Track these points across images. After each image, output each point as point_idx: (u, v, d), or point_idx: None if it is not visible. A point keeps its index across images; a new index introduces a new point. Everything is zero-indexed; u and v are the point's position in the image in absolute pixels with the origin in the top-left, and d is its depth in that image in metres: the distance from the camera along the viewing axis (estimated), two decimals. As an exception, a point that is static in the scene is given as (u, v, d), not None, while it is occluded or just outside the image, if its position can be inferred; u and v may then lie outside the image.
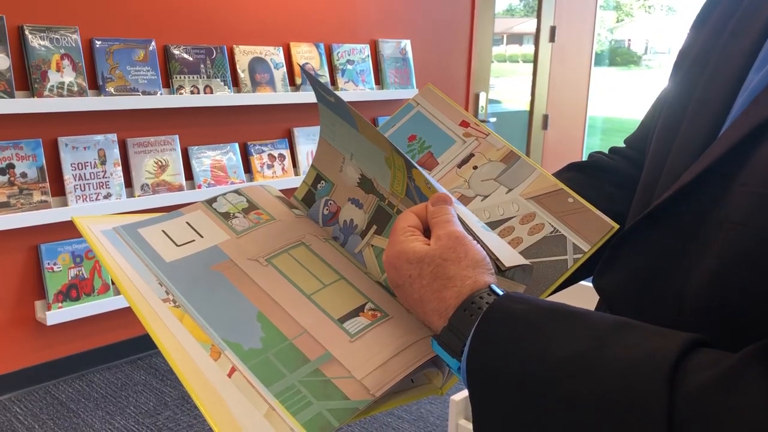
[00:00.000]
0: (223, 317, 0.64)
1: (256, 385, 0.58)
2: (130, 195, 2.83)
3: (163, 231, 0.74)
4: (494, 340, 0.50)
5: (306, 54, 3.41)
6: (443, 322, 0.54)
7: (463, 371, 0.52)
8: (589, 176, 0.80)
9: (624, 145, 0.83)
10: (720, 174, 0.52)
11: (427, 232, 0.60)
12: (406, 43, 3.87)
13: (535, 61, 4.92)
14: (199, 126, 3.07)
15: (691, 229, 0.54)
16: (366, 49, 3.67)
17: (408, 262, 0.57)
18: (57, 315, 2.65)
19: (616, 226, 0.65)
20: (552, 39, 4.85)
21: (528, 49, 4.70)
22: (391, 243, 0.59)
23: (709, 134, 0.57)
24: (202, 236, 0.74)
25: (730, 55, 0.59)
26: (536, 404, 0.46)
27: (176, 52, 2.95)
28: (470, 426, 1.36)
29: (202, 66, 3.02)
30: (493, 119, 4.90)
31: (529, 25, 5.07)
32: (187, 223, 0.76)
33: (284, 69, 3.30)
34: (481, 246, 0.58)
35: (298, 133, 3.44)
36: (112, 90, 2.74)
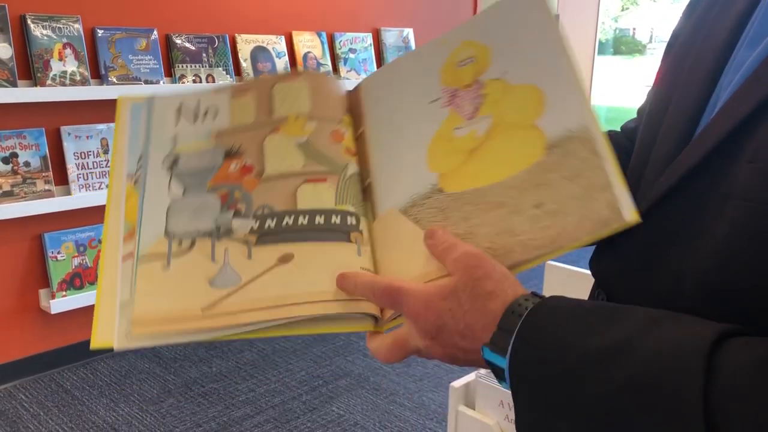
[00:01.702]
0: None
1: (124, 279, 0.63)
2: (133, 184, 2.84)
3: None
4: (538, 332, 0.50)
5: (308, 43, 3.41)
6: (493, 331, 0.54)
7: (506, 364, 0.52)
8: None
9: (619, 130, 0.83)
10: (725, 152, 0.51)
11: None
12: (409, 32, 3.86)
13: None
14: (201, 115, 3.07)
15: (691, 210, 0.53)
16: (368, 38, 3.66)
17: (442, 299, 0.56)
18: (61, 303, 2.67)
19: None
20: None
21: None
22: (412, 297, 0.58)
23: (694, 115, 0.57)
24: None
25: (712, 37, 0.59)
26: (577, 391, 0.47)
27: (178, 41, 2.95)
28: (469, 412, 1.37)
29: (204, 55, 3.02)
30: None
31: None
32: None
33: (286, 58, 3.30)
34: None
35: (301, 122, 3.44)
36: (115, 79, 2.74)
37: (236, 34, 3.14)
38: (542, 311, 0.51)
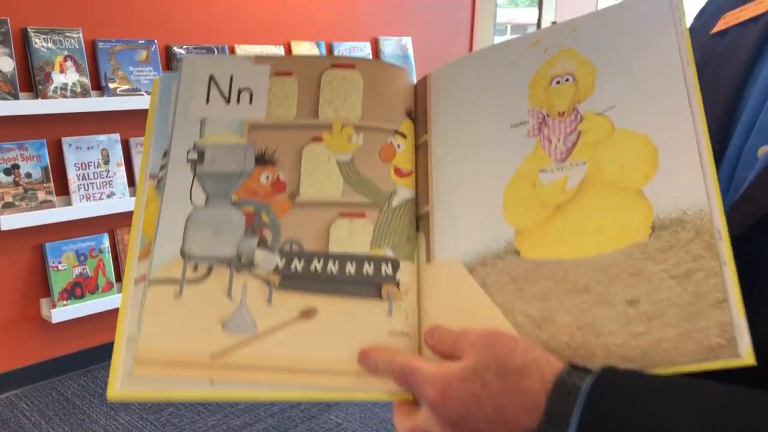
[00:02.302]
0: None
1: (134, 307, 0.57)
2: (134, 194, 2.86)
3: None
4: (607, 418, 0.44)
5: (307, 52, 3.44)
6: (537, 414, 0.46)
7: None
8: None
9: None
10: None
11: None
12: (407, 41, 3.89)
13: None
14: (201, 125, 3.10)
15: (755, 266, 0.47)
16: (367, 47, 3.69)
17: (462, 381, 0.49)
18: (62, 312, 2.70)
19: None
20: (553, 34, 4.86)
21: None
22: (429, 382, 0.51)
23: (722, 129, 0.53)
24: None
25: (736, 50, 0.57)
26: None
27: (178, 52, 2.98)
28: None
29: (203, 65, 3.05)
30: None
31: (532, 14, 5.08)
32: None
33: (285, 67, 3.33)
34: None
35: (300, 130, 3.47)
36: (115, 90, 2.77)
37: (235, 45, 3.17)
38: (603, 393, 0.44)
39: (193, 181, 0.61)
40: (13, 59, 2.50)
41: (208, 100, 0.63)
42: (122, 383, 0.55)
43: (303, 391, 0.55)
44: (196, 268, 0.58)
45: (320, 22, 3.50)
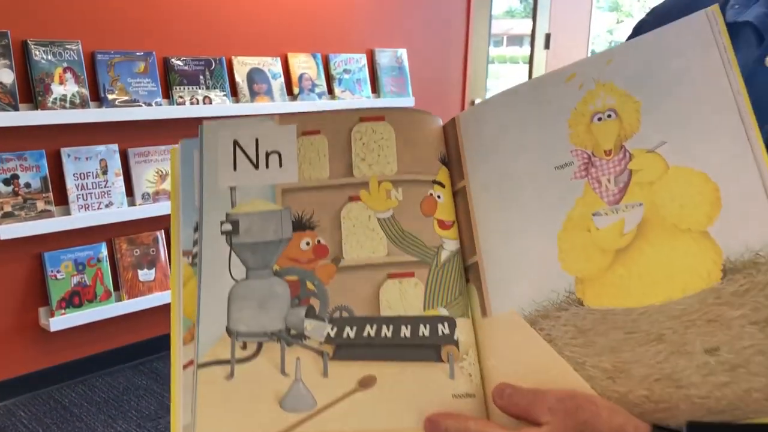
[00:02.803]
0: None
1: (186, 395, 0.55)
2: (131, 204, 2.90)
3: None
4: None
5: (303, 64, 3.48)
6: None
7: None
8: None
9: None
10: None
11: None
12: (403, 52, 3.93)
13: (530, 66, 4.99)
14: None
15: None
16: (363, 59, 3.74)
17: None
18: (60, 321, 2.72)
19: None
20: (547, 46, 4.91)
21: (528, 51, 4.80)
22: None
23: None
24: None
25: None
26: None
27: (176, 63, 3.02)
28: None
29: (201, 77, 3.09)
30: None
31: (528, 26, 5.14)
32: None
33: (282, 79, 3.37)
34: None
35: (296, 141, 3.50)
36: (114, 101, 2.81)
37: (233, 56, 3.21)
38: None
39: (230, 254, 0.58)
40: (13, 71, 2.54)
41: (235, 167, 0.59)
42: None
43: None
44: (244, 346, 0.56)
45: (316, 34, 3.54)
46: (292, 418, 0.53)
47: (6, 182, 2.57)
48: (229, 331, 0.56)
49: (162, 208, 2.95)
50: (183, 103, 3.02)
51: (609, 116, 0.52)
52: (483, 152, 0.58)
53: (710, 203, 0.48)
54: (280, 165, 0.59)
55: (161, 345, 3.09)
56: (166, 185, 3.00)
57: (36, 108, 2.60)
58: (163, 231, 3.04)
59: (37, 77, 2.61)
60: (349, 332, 0.55)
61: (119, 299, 2.90)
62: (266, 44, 3.35)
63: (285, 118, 0.60)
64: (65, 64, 2.68)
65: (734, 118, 0.48)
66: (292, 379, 0.54)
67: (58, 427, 2.55)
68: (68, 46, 2.69)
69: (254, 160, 0.60)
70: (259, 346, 0.55)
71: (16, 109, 2.54)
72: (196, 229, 0.59)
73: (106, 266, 2.85)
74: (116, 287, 2.91)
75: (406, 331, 0.55)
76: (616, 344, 0.49)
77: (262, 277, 0.57)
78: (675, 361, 0.47)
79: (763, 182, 0.46)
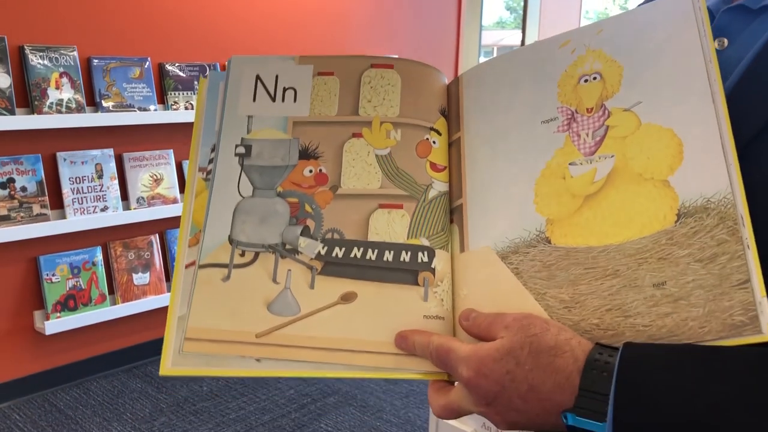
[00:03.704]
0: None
1: (184, 290, 0.61)
2: (126, 208, 2.92)
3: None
4: (641, 391, 0.46)
5: (297, 70, 3.52)
6: (570, 391, 0.49)
7: (609, 428, 0.47)
8: None
9: None
10: None
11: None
12: (395, 59, 3.99)
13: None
14: (193, 140, 3.16)
15: None
16: (355, 65, 3.78)
17: (496, 360, 0.51)
18: (55, 324, 2.73)
19: None
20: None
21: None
22: (462, 361, 0.53)
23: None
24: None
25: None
26: None
27: (171, 69, 3.05)
28: (449, 421, 1.45)
29: (195, 82, 3.12)
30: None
31: (518, 37, 5.20)
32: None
33: (276, 85, 3.41)
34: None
35: (290, 146, 3.54)
36: (109, 106, 2.83)
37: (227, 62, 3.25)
38: (633, 367, 0.47)
39: (240, 173, 0.64)
40: (9, 76, 2.57)
41: (254, 98, 0.66)
42: (173, 360, 0.59)
43: (344, 370, 0.58)
44: (243, 254, 0.62)
45: (308, 39, 3.59)
46: (277, 321, 0.59)
47: (2, 186, 2.59)
48: (230, 239, 0.62)
49: (157, 212, 2.97)
50: (177, 109, 3.05)
51: (594, 78, 0.58)
52: (480, 107, 0.64)
53: (673, 156, 0.53)
54: (295, 100, 0.66)
55: (156, 348, 3.10)
56: (161, 189, 3.02)
57: (32, 112, 2.63)
58: (157, 235, 3.06)
59: (34, 82, 2.63)
60: (338, 252, 0.62)
61: (114, 303, 2.92)
62: (260, 49, 3.39)
63: (304, 58, 0.67)
64: (61, 70, 2.70)
65: (704, 83, 0.53)
66: (281, 287, 0.60)
67: (54, 429, 2.56)
68: (64, 52, 2.72)
69: (272, 94, 0.67)
70: (256, 255, 0.62)
71: (12, 113, 2.56)
72: (213, 150, 0.66)
73: (101, 270, 2.87)
74: (111, 291, 2.92)
75: (389, 256, 0.61)
76: (575, 278, 0.55)
77: (266, 196, 0.64)
78: (626, 294, 0.52)
79: (721, 140, 0.51)
